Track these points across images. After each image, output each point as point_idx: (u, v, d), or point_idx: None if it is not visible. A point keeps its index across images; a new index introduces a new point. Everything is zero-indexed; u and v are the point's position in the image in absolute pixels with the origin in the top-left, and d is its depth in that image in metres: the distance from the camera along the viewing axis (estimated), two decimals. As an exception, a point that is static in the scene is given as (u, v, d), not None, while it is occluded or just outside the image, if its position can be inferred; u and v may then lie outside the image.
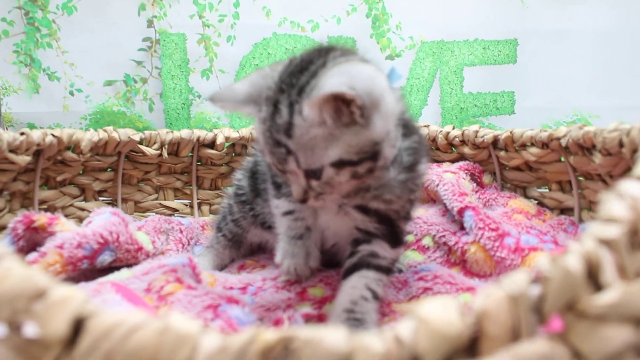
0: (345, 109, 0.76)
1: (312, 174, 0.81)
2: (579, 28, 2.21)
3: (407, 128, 0.95)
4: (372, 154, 0.81)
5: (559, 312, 0.45)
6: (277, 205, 1.08)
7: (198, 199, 1.80)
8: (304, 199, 0.85)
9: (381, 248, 1.01)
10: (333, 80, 0.75)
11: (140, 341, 0.41)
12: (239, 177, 1.32)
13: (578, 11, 2.21)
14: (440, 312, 0.43)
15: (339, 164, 0.80)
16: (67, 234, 1.06)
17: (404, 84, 2.21)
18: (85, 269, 1.07)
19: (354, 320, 0.87)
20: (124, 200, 1.69)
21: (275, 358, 0.40)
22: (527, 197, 1.55)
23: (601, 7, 2.21)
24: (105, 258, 1.10)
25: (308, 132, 0.77)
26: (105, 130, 1.55)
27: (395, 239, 1.03)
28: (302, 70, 0.80)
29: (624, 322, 0.44)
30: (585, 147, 1.24)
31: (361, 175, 0.83)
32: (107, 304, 0.84)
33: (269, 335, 0.41)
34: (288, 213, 1.06)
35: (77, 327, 0.42)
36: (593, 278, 0.46)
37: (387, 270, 1.00)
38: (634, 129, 0.98)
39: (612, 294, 0.44)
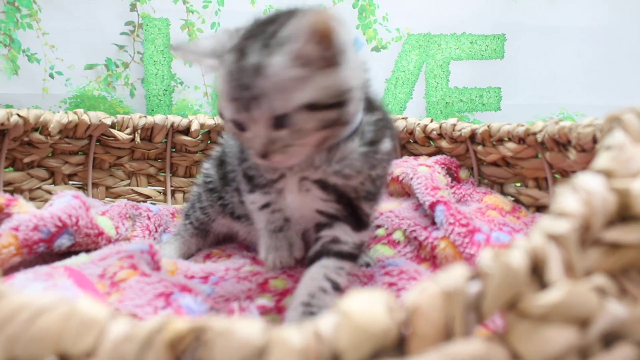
0: (320, 47, 0.76)
1: (279, 120, 0.78)
2: (568, 24, 2.20)
3: (371, 103, 0.95)
4: (341, 100, 0.80)
5: (499, 311, 0.42)
6: (253, 200, 1.06)
7: (172, 186, 1.78)
8: (265, 152, 0.81)
9: (343, 232, 0.98)
10: (311, 16, 0.73)
11: (44, 325, 0.39)
12: (207, 166, 1.30)
13: (567, 7, 2.20)
14: (366, 307, 0.40)
15: (310, 107, 0.78)
16: (24, 215, 1.03)
17: (389, 76, 2.18)
18: (43, 252, 1.04)
19: (310, 315, 0.84)
20: (95, 185, 1.66)
21: (186, 349, 0.38)
22: (504, 193, 1.52)
23: (591, 3, 2.20)
24: (63, 242, 1.07)
25: (280, 73, 0.75)
26: (75, 113, 1.52)
27: (358, 221, 0.99)
28: (269, 22, 0.80)
29: (567, 323, 0.42)
30: (561, 143, 1.22)
31: (329, 125, 0.81)
32: (57, 289, 0.82)
33: (180, 324, 0.39)
34: (265, 206, 1.04)
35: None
36: (538, 275, 0.43)
37: (349, 256, 0.97)
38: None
39: (557, 293, 0.42)
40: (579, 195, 0.48)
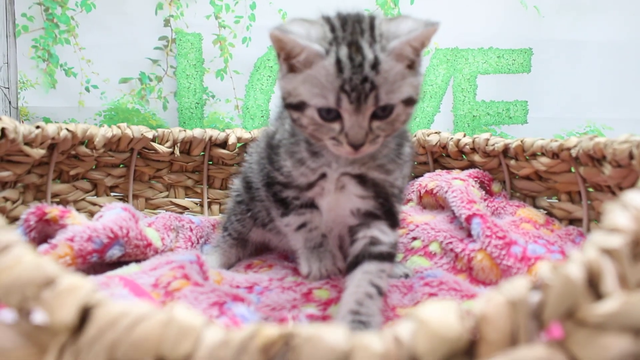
0: (416, 51, 0.87)
1: (383, 111, 0.86)
2: (594, 39, 2.20)
3: None
4: (418, 97, 0.91)
5: (558, 320, 0.45)
6: (288, 223, 1.12)
7: (208, 198, 1.82)
8: (362, 142, 0.87)
9: (380, 232, 1.03)
10: (416, 21, 0.86)
11: (144, 332, 0.42)
12: (236, 182, 1.37)
13: (594, 22, 2.20)
14: (440, 315, 0.44)
15: (408, 101, 0.88)
16: (78, 227, 1.08)
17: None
18: (95, 262, 1.09)
19: (359, 323, 0.87)
20: (135, 197, 1.71)
21: (276, 354, 0.41)
22: (536, 206, 1.54)
23: (617, 18, 2.19)
24: (115, 252, 1.11)
25: (392, 68, 0.84)
26: (118, 127, 1.57)
27: (392, 217, 1.06)
28: (357, 22, 0.87)
29: (623, 331, 0.44)
30: (596, 158, 1.24)
31: (408, 118, 0.92)
32: (115, 297, 0.85)
33: (271, 330, 0.42)
34: (301, 226, 1.10)
35: (84, 315, 0.43)
36: (594, 287, 0.46)
37: (389, 256, 1.02)
38: (645, 142, 0.98)
39: (612, 303, 0.45)
40: (629, 212, 0.50)
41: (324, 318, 0.95)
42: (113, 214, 1.17)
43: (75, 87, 2.07)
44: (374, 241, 1.02)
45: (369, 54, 0.83)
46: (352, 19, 0.88)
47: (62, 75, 2.06)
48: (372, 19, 0.88)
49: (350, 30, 0.85)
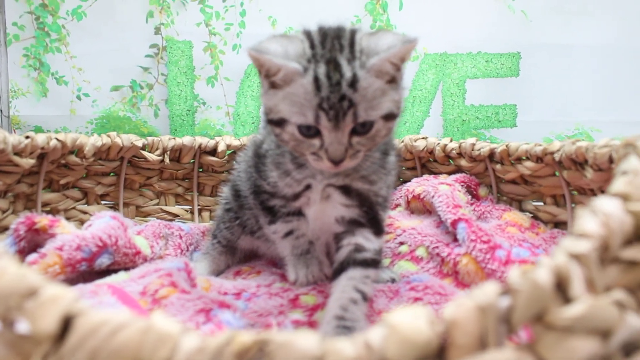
0: (396, 67, 0.87)
1: (363, 127, 0.87)
2: (582, 42, 2.22)
3: None
4: (400, 111, 0.91)
5: (527, 323, 0.47)
6: (275, 231, 1.14)
7: (199, 205, 1.83)
8: (342, 158, 0.88)
9: (365, 239, 1.05)
10: (396, 37, 0.86)
11: (123, 340, 0.43)
12: (225, 190, 1.38)
13: (581, 25, 2.21)
14: (411, 320, 0.45)
15: (388, 117, 0.88)
16: (67, 236, 1.09)
17: (407, 95, 2.22)
18: (84, 271, 1.10)
19: (344, 329, 0.88)
20: (126, 205, 1.72)
21: (251, 359, 0.43)
22: (522, 210, 1.56)
23: (604, 21, 2.21)
24: (104, 261, 1.12)
25: (371, 85, 0.84)
26: (108, 136, 1.58)
27: (377, 225, 1.07)
28: (337, 37, 0.87)
29: (590, 334, 0.46)
30: (578, 162, 1.26)
31: (390, 132, 0.93)
32: (103, 306, 0.87)
33: (245, 337, 0.43)
34: (288, 234, 1.12)
35: (66, 325, 0.44)
36: (562, 291, 0.47)
37: (373, 263, 1.04)
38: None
39: (580, 306, 0.46)
40: (598, 218, 0.52)
41: (310, 324, 0.96)
42: (102, 223, 1.18)
43: (66, 96, 2.07)
44: (358, 248, 1.04)
45: (347, 72, 0.83)
46: (332, 34, 0.88)
47: (53, 83, 2.06)
48: (352, 34, 0.88)
49: (330, 47, 0.86)
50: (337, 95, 0.83)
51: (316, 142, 0.88)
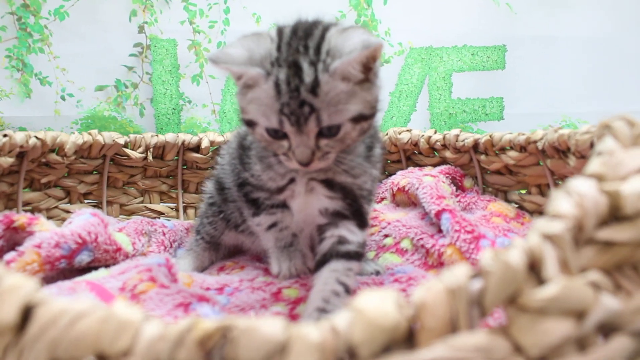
0: (365, 68, 0.84)
1: (329, 131, 0.85)
2: (567, 34, 2.23)
3: None
4: (375, 111, 0.90)
5: (500, 306, 0.46)
6: (259, 223, 1.12)
7: (183, 202, 1.82)
8: (309, 161, 0.88)
9: (349, 231, 1.04)
10: (363, 37, 0.83)
11: (83, 328, 0.42)
12: (209, 184, 1.36)
13: (566, 17, 2.23)
14: (377, 304, 0.44)
15: (357, 118, 0.86)
16: (46, 233, 1.07)
17: (393, 89, 2.22)
18: (64, 268, 1.08)
19: None
20: (110, 203, 1.71)
21: (213, 346, 0.41)
22: (507, 200, 1.55)
23: (589, 13, 2.23)
24: (83, 258, 1.11)
25: (334, 89, 0.82)
26: (89, 134, 1.57)
27: (361, 217, 1.06)
28: (306, 36, 0.86)
29: (564, 315, 0.45)
30: (561, 150, 1.25)
31: (363, 132, 0.90)
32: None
33: (208, 324, 0.42)
34: (272, 226, 1.10)
35: (27, 315, 0.43)
36: (535, 272, 0.46)
37: (356, 255, 1.03)
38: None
39: (553, 287, 0.45)
40: (572, 198, 0.51)
41: (292, 317, 0.96)
42: (82, 220, 1.16)
43: (50, 96, 2.05)
44: (341, 240, 1.03)
45: (307, 77, 0.81)
46: (303, 31, 0.87)
47: (37, 84, 2.04)
48: (324, 31, 0.86)
49: (295, 48, 0.84)
50: (297, 101, 0.82)
51: (285, 143, 0.88)
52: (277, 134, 0.87)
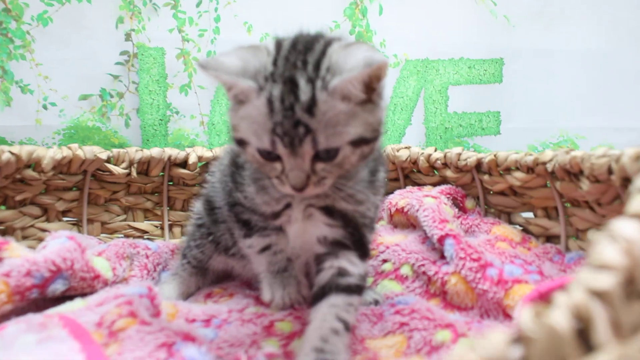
0: (366, 88, 0.78)
1: (327, 154, 0.78)
2: (566, 47, 2.20)
3: None
4: (378, 134, 0.83)
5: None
6: (251, 245, 1.05)
7: (169, 220, 1.73)
8: (303, 186, 0.81)
9: (349, 263, 0.97)
10: (367, 54, 0.76)
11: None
12: (197, 204, 1.29)
13: (564, 31, 2.20)
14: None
15: (357, 142, 0.79)
16: (16, 260, 0.98)
17: (388, 102, 2.16)
18: (36, 298, 0.99)
19: None
20: (90, 221, 1.62)
21: None
22: (511, 222, 1.49)
23: (587, 26, 2.20)
24: (58, 287, 1.02)
25: (333, 109, 0.76)
26: (69, 148, 1.48)
27: (363, 248, 1.00)
28: (306, 50, 0.79)
29: (618, 390, 0.38)
30: (572, 173, 1.19)
31: (364, 157, 0.84)
32: (52, 341, 0.77)
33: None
34: (265, 249, 1.03)
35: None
36: (583, 337, 0.39)
37: (357, 289, 0.96)
38: (624, 156, 0.92)
39: (606, 357, 0.38)
40: (619, 245, 0.44)
41: (286, 355, 0.88)
42: (57, 244, 1.07)
43: (32, 105, 1.98)
44: (342, 272, 0.96)
45: (304, 95, 0.75)
46: (303, 45, 0.80)
47: (17, 92, 1.96)
48: (326, 46, 0.80)
49: (293, 62, 0.78)
50: (291, 121, 0.75)
51: (278, 166, 0.81)
52: (269, 156, 0.80)
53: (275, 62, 0.79)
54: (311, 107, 0.75)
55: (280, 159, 0.80)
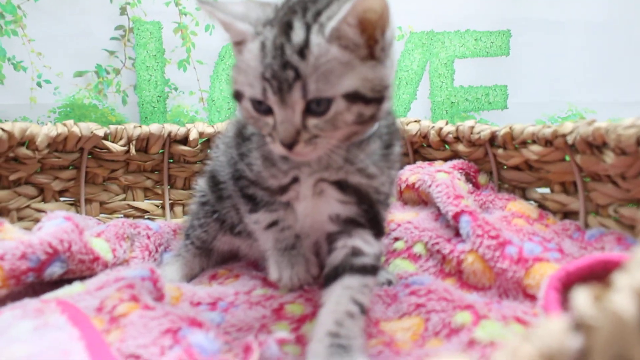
0: (367, 30, 0.74)
1: (317, 106, 0.74)
2: (575, 18, 2.15)
3: None
4: (380, 96, 0.78)
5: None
6: (257, 220, 1.01)
7: (170, 199, 1.70)
8: (292, 142, 0.76)
9: (363, 241, 0.92)
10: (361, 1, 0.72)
11: None
12: (201, 182, 1.25)
13: (573, 0, 2.14)
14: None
15: (353, 97, 0.75)
16: (10, 242, 0.93)
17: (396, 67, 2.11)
18: (32, 282, 0.94)
19: (339, 347, 0.75)
20: (88, 201, 1.58)
21: None
22: (526, 198, 1.44)
23: (596, -2, 2.14)
24: (55, 270, 0.97)
25: (326, 54, 0.73)
26: (64, 124, 1.43)
27: (378, 226, 0.95)
28: (313, 1, 0.77)
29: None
30: (595, 145, 1.13)
31: (363, 120, 0.79)
32: (49, 328, 0.72)
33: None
34: (272, 225, 0.99)
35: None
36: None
37: (372, 269, 0.91)
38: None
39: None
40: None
41: (298, 339, 0.84)
42: (53, 225, 1.02)
43: (25, 83, 1.95)
44: (356, 252, 0.91)
45: (296, 37, 0.72)
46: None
47: (10, 69, 1.93)
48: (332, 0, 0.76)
49: (293, 9, 0.75)
50: (279, 61, 0.72)
51: (270, 120, 0.78)
52: (261, 107, 0.77)
53: (277, 11, 0.77)
54: (303, 49, 0.72)
55: (272, 113, 0.77)
